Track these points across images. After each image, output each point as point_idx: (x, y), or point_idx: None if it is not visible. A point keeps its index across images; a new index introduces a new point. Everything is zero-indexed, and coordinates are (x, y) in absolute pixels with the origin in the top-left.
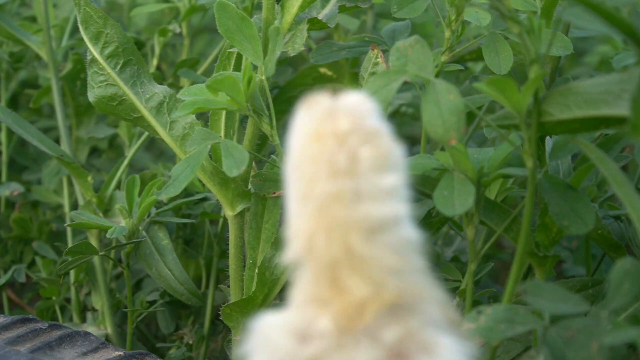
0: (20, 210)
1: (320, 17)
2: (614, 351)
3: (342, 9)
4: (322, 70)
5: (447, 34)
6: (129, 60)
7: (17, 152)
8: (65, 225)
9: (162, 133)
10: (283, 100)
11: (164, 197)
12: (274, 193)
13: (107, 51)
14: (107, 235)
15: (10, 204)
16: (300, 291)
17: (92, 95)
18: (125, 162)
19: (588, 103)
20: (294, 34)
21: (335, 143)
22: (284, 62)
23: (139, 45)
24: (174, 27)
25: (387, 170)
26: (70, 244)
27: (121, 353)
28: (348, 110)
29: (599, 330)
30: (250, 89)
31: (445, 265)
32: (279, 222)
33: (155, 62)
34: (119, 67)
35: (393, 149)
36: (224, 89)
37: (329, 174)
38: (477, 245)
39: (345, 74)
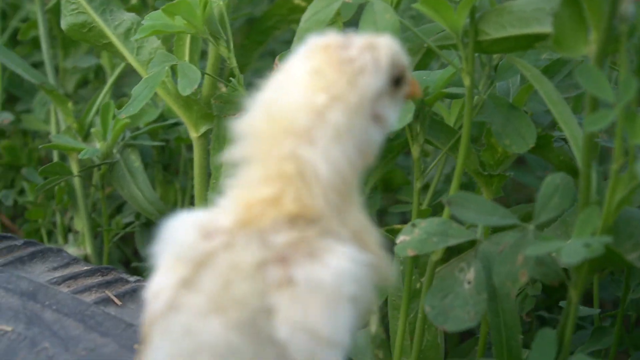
0: (12, 138)
1: None
2: (546, 267)
3: None
4: (297, 1)
5: None
6: None
7: (12, 85)
8: (39, 147)
9: (130, 58)
10: (259, 32)
11: (123, 116)
12: (235, 114)
13: None
14: (80, 156)
15: (2, 133)
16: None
17: (64, 23)
18: (105, 89)
19: (521, 21)
20: None
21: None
22: None
23: None
24: None
25: (323, 90)
26: None
27: (89, 267)
28: (329, 38)
29: (525, 243)
30: (205, 13)
31: (408, 189)
32: None
33: None
34: None
35: (343, 77)
36: (180, 13)
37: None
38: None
39: None
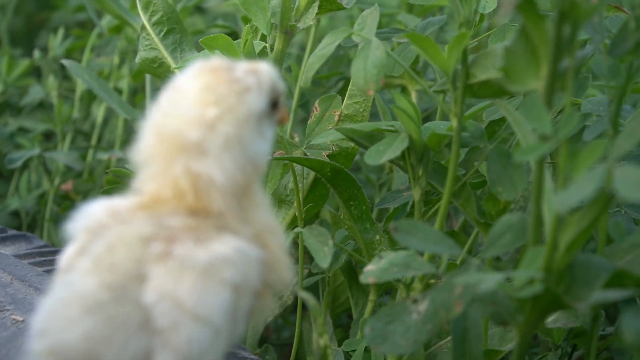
0: None
1: None
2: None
3: None
4: None
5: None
6: (172, 29)
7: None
8: None
9: None
10: None
11: None
12: (273, 153)
13: (154, 19)
14: None
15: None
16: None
17: (138, 57)
18: None
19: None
20: (306, 11)
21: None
22: None
23: (233, 35)
24: None
25: (212, 105)
26: None
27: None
28: (216, 62)
29: (465, 275)
30: (246, 49)
31: None
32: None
33: None
34: (162, 34)
35: (232, 94)
36: (218, 47)
37: (168, 95)
38: None
39: None
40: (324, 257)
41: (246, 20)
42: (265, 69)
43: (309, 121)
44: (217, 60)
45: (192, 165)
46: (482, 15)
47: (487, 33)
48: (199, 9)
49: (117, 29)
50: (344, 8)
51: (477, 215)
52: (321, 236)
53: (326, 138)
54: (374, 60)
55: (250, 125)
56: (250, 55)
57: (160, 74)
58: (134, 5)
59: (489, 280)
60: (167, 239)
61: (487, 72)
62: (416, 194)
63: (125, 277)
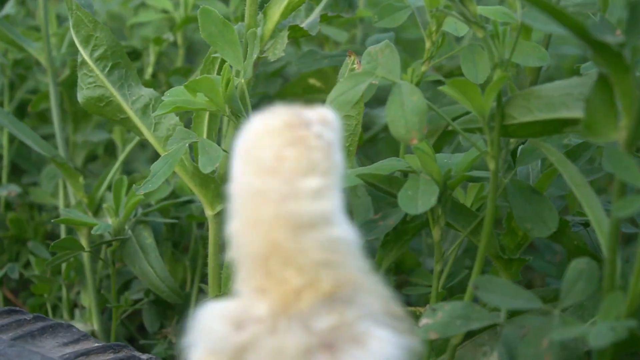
0: (18, 211)
1: (302, 25)
2: (569, 351)
3: (324, 18)
4: (311, 81)
5: (428, 44)
6: (117, 63)
7: (19, 156)
8: (52, 221)
9: (147, 134)
10: None
11: (142, 193)
12: None
13: (97, 54)
14: (92, 232)
15: (9, 205)
16: (242, 283)
17: (81, 96)
18: (117, 164)
19: (548, 106)
20: (275, 41)
21: (264, 142)
22: (275, 74)
23: (136, 54)
24: (168, 36)
25: (313, 173)
26: None
27: (100, 345)
28: (287, 116)
29: (550, 327)
30: (228, 90)
31: (422, 271)
32: None
33: (150, 70)
34: (107, 69)
35: (323, 154)
36: (202, 90)
37: (254, 171)
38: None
39: (333, 84)
40: None
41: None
42: (333, 118)
43: None
44: (284, 114)
45: (320, 237)
46: (444, 35)
47: (453, 52)
48: None
49: None
50: (309, 35)
51: (498, 251)
52: None
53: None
54: (412, 107)
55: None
56: (231, 95)
57: (108, 113)
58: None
59: (580, 332)
60: (327, 347)
61: (529, 114)
62: (436, 234)
63: None
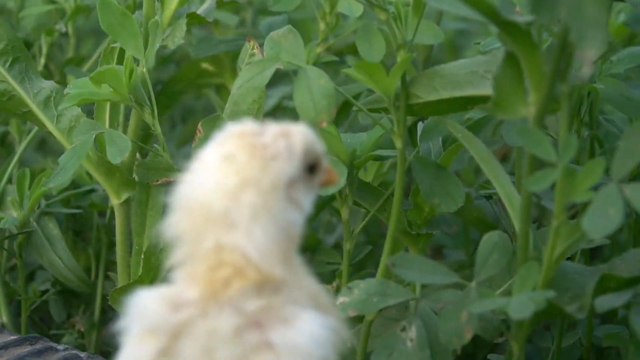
0: None
1: (199, 12)
2: (485, 322)
3: (220, 4)
4: (204, 65)
5: (322, 26)
6: (17, 58)
7: None
8: None
9: (50, 126)
10: (166, 96)
11: (52, 186)
12: (157, 181)
13: None
14: (0, 226)
15: None
16: (175, 270)
17: None
18: (16, 157)
19: (454, 84)
20: (173, 29)
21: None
22: (167, 59)
23: (28, 45)
24: (60, 26)
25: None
26: None
27: (16, 337)
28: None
29: (468, 301)
30: (131, 81)
31: (325, 249)
32: (163, 209)
33: (43, 61)
34: (7, 64)
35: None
36: (107, 81)
37: (197, 170)
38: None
39: (227, 69)
40: None
41: None
42: (298, 132)
43: (193, 144)
44: (246, 125)
45: (223, 239)
46: (337, 17)
47: (348, 33)
48: None
49: None
50: (207, 21)
51: (406, 227)
52: None
53: None
54: (320, 91)
55: (278, 195)
56: (134, 85)
57: (11, 107)
58: None
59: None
60: (256, 326)
61: (434, 92)
62: (344, 214)
63: None
